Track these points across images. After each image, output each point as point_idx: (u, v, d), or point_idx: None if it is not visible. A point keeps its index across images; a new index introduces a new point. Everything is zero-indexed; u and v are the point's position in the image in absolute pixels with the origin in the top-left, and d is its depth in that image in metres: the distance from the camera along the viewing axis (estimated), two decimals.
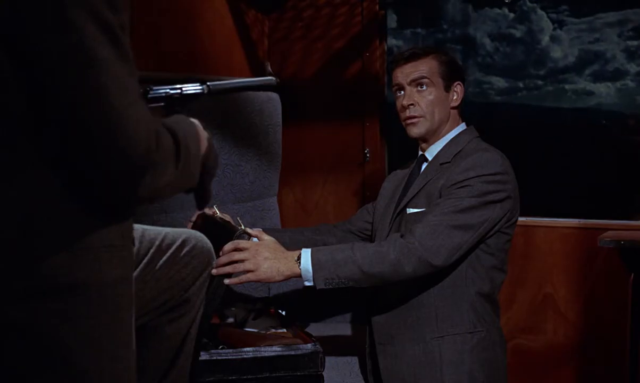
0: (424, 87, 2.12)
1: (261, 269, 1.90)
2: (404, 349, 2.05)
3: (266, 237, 1.98)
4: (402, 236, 1.96)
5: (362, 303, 2.26)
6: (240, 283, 1.92)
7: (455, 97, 2.16)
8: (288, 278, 1.94)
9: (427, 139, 2.16)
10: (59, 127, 1.08)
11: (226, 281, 1.85)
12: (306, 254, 1.93)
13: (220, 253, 1.88)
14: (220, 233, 1.96)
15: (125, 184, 1.11)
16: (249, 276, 1.90)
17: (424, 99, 2.12)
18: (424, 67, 2.13)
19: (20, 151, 1.09)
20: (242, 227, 1.98)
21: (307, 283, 1.93)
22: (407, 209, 2.09)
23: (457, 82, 2.16)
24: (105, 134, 1.07)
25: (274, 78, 1.64)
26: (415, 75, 2.13)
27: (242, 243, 1.91)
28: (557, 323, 2.69)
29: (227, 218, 2.12)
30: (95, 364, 1.13)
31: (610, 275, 2.58)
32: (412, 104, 2.13)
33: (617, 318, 2.54)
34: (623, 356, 2.47)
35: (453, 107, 2.16)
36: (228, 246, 1.90)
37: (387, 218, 2.19)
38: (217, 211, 2.08)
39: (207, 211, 2.09)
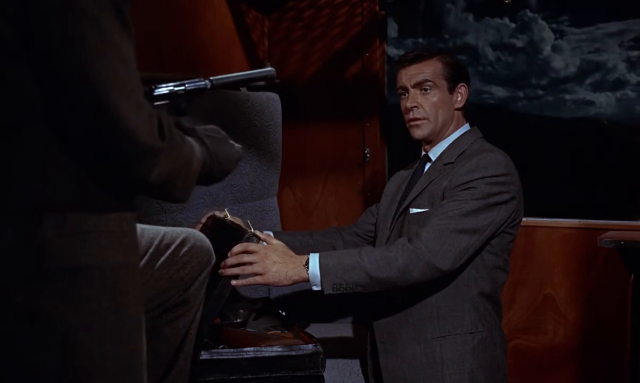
0: (428, 90, 2.13)
1: (270, 273, 1.91)
2: (405, 348, 2.05)
3: (275, 241, 1.99)
4: (409, 240, 1.96)
5: (362, 303, 2.26)
6: (248, 284, 1.93)
7: (459, 99, 2.16)
8: (296, 283, 1.95)
9: (431, 140, 2.17)
10: (61, 112, 1.09)
11: (233, 282, 1.86)
12: (314, 259, 1.94)
13: (229, 255, 1.88)
14: (230, 235, 1.98)
15: (132, 168, 1.12)
16: (257, 279, 1.91)
17: (428, 101, 2.13)
18: (428, 69, 2.13)
19: (26, 135, 1.09)
20: (252, 230, 1.98)
21: (315, 288, 1.94)
22: (410, 209, 2.09)
23: (461, 84, 2.16)
24: (111, 120, 1.08)
25: (273, 69, 1.68)
26: (419, 78, 2.13)
27: (252, 246, 1.93)
28: (557, 323, 2.69)
29: (238, 221, 2.13)
30: (98, 346, 1.14)
31: (610, 275, 2.58)
32: (415, 106, 2.13)
33: (617, 319, 2.54)
34: (623, 356, 2.47)
35: (457, 109, 2.16)
36: (237, 248, 1.91)
37: (388, 218, 2.19)
38: (228, 214, 2.09)
39: (217, 213, 2.11)
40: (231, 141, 1.41)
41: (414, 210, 2.08)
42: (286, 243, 2.02)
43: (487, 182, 1.99)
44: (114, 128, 1.08)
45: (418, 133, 2.15)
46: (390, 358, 2.08)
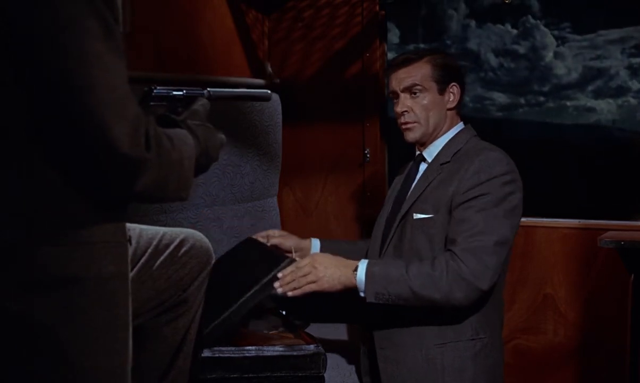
0: (417, 93, 2.12)
1: (324, 279, 1.95)
2: (405, 355, 2.04)
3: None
4: (449, 255, 1.95)
5: (362, 307, 2.25)
6: (304, 293, 1.96)
7: (451, 99, 2.14)
8: (347, 288, 1.97)
9: (424, 142, 2.16)
10: (49, 121, 1.08)
11: (289, 293, 1.93)
12: (363, 265, 1.96)
13: (279, 275, 1.93)
14: (268, 261, 2.03)
15: (116, 180, 1.12)
16: (312, 286, 1.95)
17: (418, 104, 2.12)
18: (416, 72, 2.12)
19: (18, 146, 1.09)
20: (292, 255, 2.09)
21: (361, 294, 1.97)
22: (414, 214, 2.07)
23: (452, 84, 2.14)
24: (92, 129, 1.07)
25: (269, 92, 1.76)
26: (408, 82, 2.12)
27: (301, 262, 1.97)
28: (557, 323, 2.68)
29: (279, 240, 2.22)
30: (91, 357, 1.14)
31: (610, 275, 2.58)
32: (406, 111, 2.13)
33: (617, 319, 2.53)
34: (623, 356, 2.47)
35: (450, 109, 2.15)
36: (288, 270, 1.94)
37: (382, 221, 2.19)
38: (270, 239, 2.20)
39: (260, 238, 2.22)
40: (213, 128, 1.41)
41: (418, 216, 2.06)
42: (332, 252, 2.10)
43: (497, 183, 1.98)
44: (94, 137, 1.08)
45: (410, 136, 2.16)
46: (389, 365, 2.06)
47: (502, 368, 2.11)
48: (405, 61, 2.14)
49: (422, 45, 2.92)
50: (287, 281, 1.93)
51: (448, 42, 2.86)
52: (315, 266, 1.95)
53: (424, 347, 2.02)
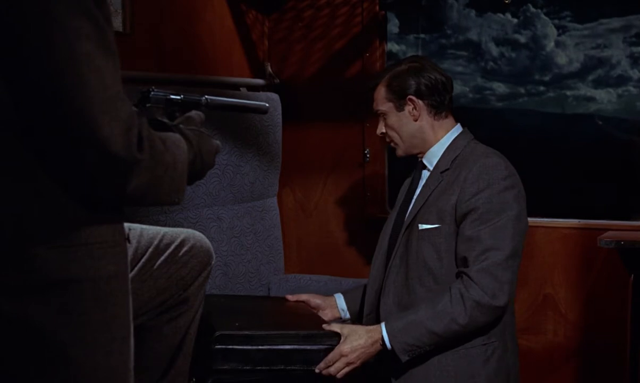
0: (385, 117, 2.17)
1: (359, 360, 1.96)
2: (418, 364, 2.03)
3: (346, 328, 1.99)
4: (461, 280, 1.95)
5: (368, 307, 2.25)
6: (343, 376, 1.97)
7: (414, 111, 2.13)
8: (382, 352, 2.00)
9: (415, 153, 2.18)
10: (41, 121, 1.08)
11: (339, 375, 1.95)
12: (384, 331, 1.97)
13: (317, 370, 1.92)
14: (312, 319, 2.13)
15: (108, 180, 1.11)
16: (353, 367, 1.96)
17: (388, 126, 2.17)
18: (377, 97, 2.17)
19: (13, 147, 1.09)
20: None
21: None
22: (419, 224, 2.07)
23: (408, 97, 2.12)
24: (83, 129, 1.07)
25: (266, 104, 1.78)
26: (375, 108, 2.19)
27: (330, 357, 1.93)
28: (557, 323, 2.68)
29: (305, 298, 2.29)
30: (90, 358, 1.14)
31: (610, 275, 2.57)
32: (382, 133, 2.19)
33: (617, 319, 2.53)
34: (623, 356, 2.47)
35: (416, 120, 2.13)
36: (322, 366, 1.93)
37: (388, 229, 2.20)
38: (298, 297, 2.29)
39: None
40: (208, 134, 1.42)
41: (423, 226, 2.06)
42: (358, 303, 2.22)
43: (497, 190, 1.98)
44: (85, 137, 1.07)
45: (397, 153, 2.21)
46: (403, 373, 2.05)
47: (517, 368, 2.11)
48: (372, 87, 2.19)
49: (422, 36, 2.91)
50: (328, 371, 1.93)
51: (448, 31, 2.86)
52: (350, 361, 1.94)
53: (436, 355, 2.02)
